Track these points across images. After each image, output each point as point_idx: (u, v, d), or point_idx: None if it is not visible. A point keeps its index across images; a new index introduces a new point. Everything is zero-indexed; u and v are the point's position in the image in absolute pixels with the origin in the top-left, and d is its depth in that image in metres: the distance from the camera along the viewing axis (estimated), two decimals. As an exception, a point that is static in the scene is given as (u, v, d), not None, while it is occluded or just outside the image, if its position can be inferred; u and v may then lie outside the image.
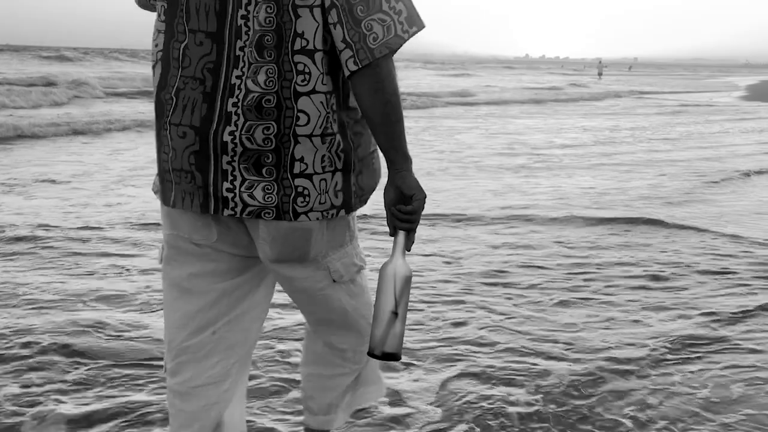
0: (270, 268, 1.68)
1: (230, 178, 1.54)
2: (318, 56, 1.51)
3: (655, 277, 4.05)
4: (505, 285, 3.88)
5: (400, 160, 1.57)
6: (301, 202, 1.56)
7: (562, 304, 3.61)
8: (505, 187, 6.95)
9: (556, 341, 3.12)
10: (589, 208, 5.95)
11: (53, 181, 6.70)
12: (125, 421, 2.37)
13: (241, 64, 1.51)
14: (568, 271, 4.15)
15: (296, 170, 1.55)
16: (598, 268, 4.20)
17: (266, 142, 1.52)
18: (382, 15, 1.47)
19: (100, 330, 3.12)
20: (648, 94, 31.27)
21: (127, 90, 21.28)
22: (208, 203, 1.57)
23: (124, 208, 5.62)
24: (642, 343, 3.11)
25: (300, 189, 1.56)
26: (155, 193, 1.69)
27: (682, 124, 15.27)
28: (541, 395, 2.61)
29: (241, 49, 1.51)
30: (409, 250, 1.62)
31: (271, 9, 1.48)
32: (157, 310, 3.31)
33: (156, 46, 1.60)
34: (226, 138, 1.52)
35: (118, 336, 3.06)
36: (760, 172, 8.21)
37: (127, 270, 4.00)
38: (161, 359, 2.64)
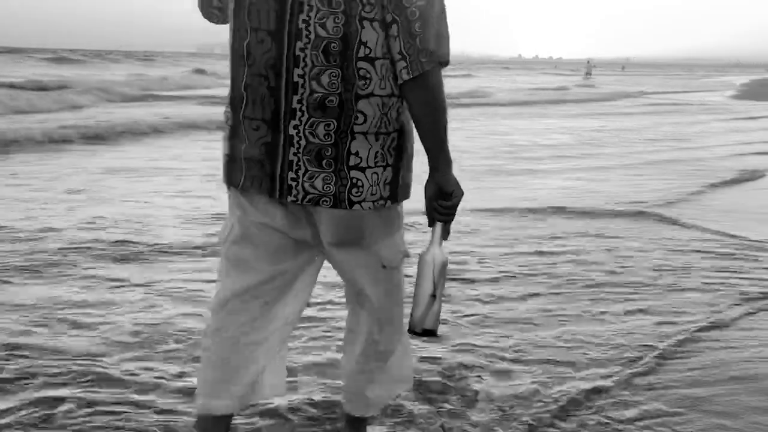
0: (329, 252, 1.87)
1: (295, 168, 1.72)
2: (378, 63, 1.69)
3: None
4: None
5: (442, 161, 1.78)
6: (356, 193, 1.74)
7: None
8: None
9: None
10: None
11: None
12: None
13: (302, 64, 1.67)
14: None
15: (352, 163, 1.73)
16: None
17: (327, 137, 1.70)
18: (435, 33, 1.66)
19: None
20: (651, 94, 31.51)
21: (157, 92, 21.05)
22: (274, 188, 1.75)
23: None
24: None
25: (355, 180, 1.74)
26: (225, 182, 1.87)
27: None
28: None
29: (302, 50, 1.66)
30: (445, 239, 1.82)
31: (338, 19, 1.64)
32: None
33: (231, 45, 1.77)
34: (292, 132, 1.71)
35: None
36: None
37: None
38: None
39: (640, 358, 3.01)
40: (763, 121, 16.35)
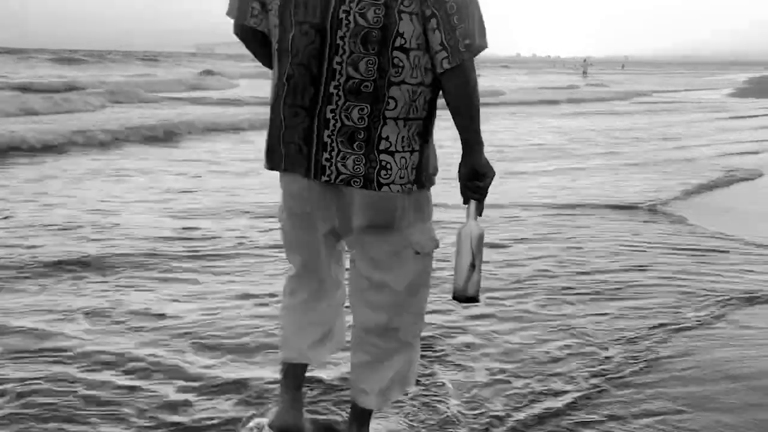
0: (358, 237, 2.00)
1: (329, 149, 1.87)
2: (411, 54, 1.82)
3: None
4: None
5: (475, 144, 1.91)
6: (384, 175, 1.87)
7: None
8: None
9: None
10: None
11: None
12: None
13: (341, 52, 1.81)
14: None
15: (382, 147, 1.86)
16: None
17: (360, 121, 1.85)
18: (472, 25, 1.80)
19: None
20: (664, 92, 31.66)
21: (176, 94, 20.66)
22: (309, 169, 1.90)
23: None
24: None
25: (384, 163, 1.87)
26: (266, 166, 2.04)
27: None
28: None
29: (341, 38, 1.80)
30: (480, 215, 1.97)
31: (379, 11, 1.77)
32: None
33: (274, 38, 1.92)
34: (329, 115, 1.85)
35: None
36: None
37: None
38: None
39: (637, 357, 3.05)
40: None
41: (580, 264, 4.45)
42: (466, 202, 1.99)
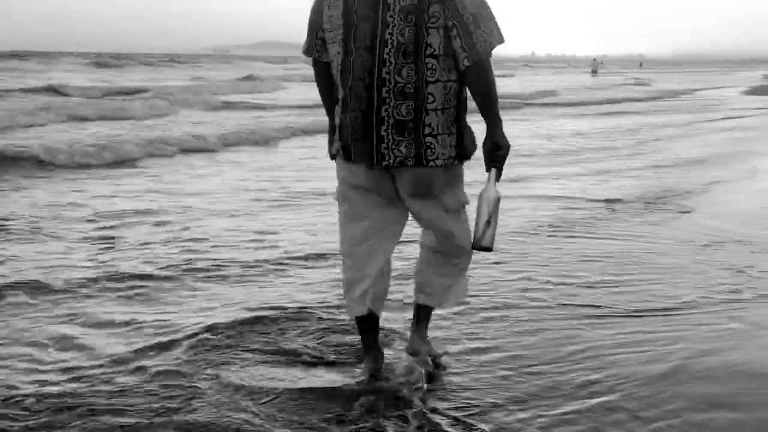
0: (408, 203, 2.59)
1: (385, 141, 2.42)
2: (440, 58, 2.38)
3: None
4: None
5: (495, 122, 2.47)
6: (430, 154, 2.43)
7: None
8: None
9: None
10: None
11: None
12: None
13: (388, 64, 2.37)
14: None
15: (426, 132, 2.42)
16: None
17: (407, 114, 2.40)
18: (483, 30, 2.34)
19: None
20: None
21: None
22: (372, 158, 2.45)
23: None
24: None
25: (429, 144, 2.43)
26: (332, 157, 2.62)
27: None
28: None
29: (387, 54, 2.37)
30: (498, 181, 2.50)
31: (412, 30, 2.34)
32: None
33: (337, 63, 2.48)
34: (383, 114, 2.40)
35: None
36: None
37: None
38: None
39: (652, 359, 3.09)
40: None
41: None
42: (488, 170, 2.51)
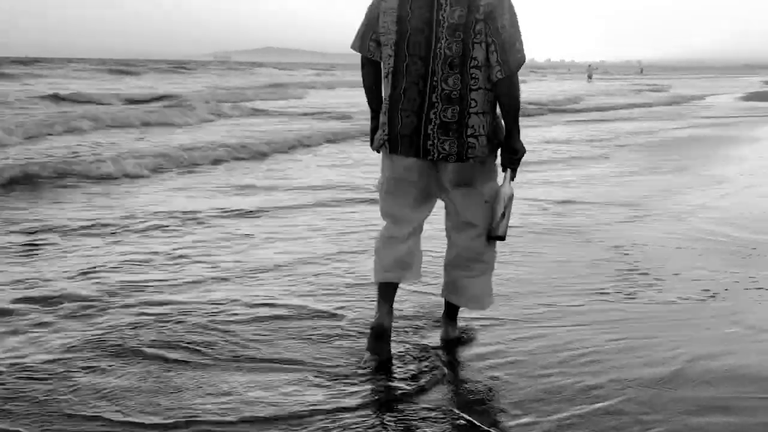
0: (451, 192, 2.94)
1: (432, 138, 2.80)
2: (482, 69, 2.75)
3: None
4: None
5: (515, 130, 2.86)
6: (471, 151, 2.81)
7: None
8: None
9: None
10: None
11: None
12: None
13: (438, 73, 2.75)
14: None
15: (469, 133, 2.79)
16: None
17: (452, 117, 2.78)
18: (516, 48, 2.74)
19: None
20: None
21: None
22: (419, 152, 2.83)
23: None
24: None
25: (470, 143, 2.80)
26: (378, 150, 2.96)
27: None
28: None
29: (437, 64, 2.75)
30: (513, 180, 2.91)
31: (459, 45, 2.72)
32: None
33: (389, 64, 2.83)
34: (431, 116, 2.78)
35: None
36: None
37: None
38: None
39: (658, 362, 3.10)
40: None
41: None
42: (504, 170, 2.92)
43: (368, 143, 3.09)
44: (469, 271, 3.09)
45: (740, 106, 24.78)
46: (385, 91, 2.88)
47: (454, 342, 3.28)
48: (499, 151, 2.95)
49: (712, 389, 2.88)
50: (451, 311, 3.29)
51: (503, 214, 2.89)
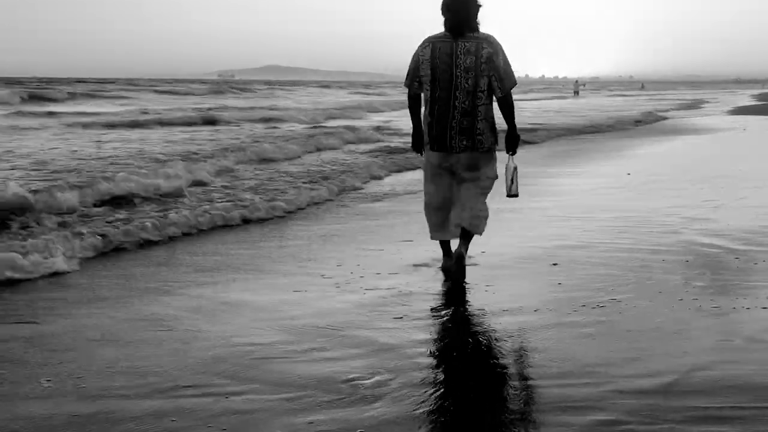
0: (461, 174, 4.37)
1: (455, 138, 4.28)
2: (485, 93, 4.26)
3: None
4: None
5: (512, 127, 4.38)
6: (480, 145, 4.31)
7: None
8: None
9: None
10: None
11: None
12: None
13: (459, 97, 4.23)
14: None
15: (477, 133, 4.29)
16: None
17: (467, 125, 4.26)
18: (509, 76, 4.28)
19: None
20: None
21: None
22: (446, 148, 4.32)
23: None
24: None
25: (479, 140, 4.30)
26: (419, 150, 4.52)
27: None
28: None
29: (458, 92, 4.22)
30: (514, 155, 4.43)
31: (471, 80, 4.21)
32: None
33: (427, 95, 4.33)
34: (454, 124, 4.26)
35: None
36: None
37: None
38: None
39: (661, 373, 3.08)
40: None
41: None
42: (507, 152, 4.42)
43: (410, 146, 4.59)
44: (471, 202, 4.41)
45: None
46: (424, 112, 4.38)
47: (459, 260, 4.40)
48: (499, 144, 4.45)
49: (708, 399, 2.86)
50: (464, 235, 4.44)
51: (512, 180, 4.39)
